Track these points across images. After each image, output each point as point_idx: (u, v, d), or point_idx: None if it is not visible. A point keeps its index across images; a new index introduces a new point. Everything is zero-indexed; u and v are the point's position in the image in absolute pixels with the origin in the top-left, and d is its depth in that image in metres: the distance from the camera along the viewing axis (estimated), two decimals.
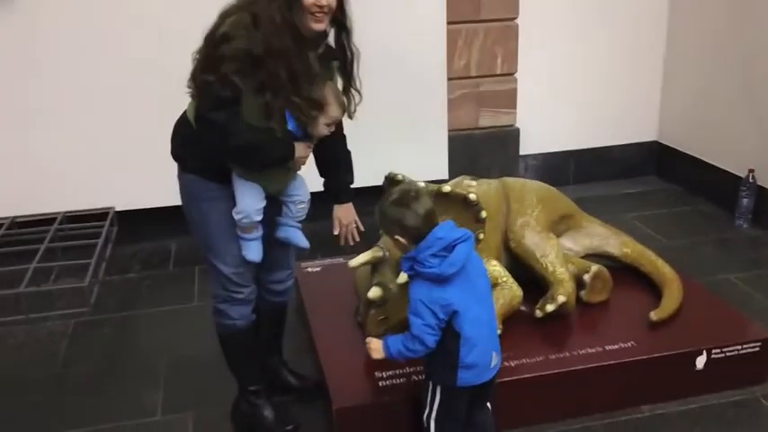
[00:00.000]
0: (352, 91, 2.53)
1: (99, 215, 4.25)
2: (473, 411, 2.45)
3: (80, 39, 4.04)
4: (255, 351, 2.81)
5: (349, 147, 2.77)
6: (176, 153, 2.55)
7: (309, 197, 2.71)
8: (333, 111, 2.46)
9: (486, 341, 2.32)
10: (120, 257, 4.32)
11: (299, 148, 2.45)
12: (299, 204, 2.67)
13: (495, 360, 2.37)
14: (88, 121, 4.16)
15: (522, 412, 2.79)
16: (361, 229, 2.87)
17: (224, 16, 2.28)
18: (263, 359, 2.99)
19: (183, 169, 2.53)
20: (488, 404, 2.51)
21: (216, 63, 2.22)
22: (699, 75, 5.02)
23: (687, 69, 5.13)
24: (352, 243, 2.89)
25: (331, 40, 2.46)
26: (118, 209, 4.31)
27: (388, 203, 2.29)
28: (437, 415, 2.40)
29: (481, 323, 2.30)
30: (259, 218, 2.50)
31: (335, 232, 2.84)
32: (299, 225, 2.73)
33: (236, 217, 2.48)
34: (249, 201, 2.47)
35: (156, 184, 3.74)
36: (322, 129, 2.47)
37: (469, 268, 2.28)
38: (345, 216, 2.84)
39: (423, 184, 2.86)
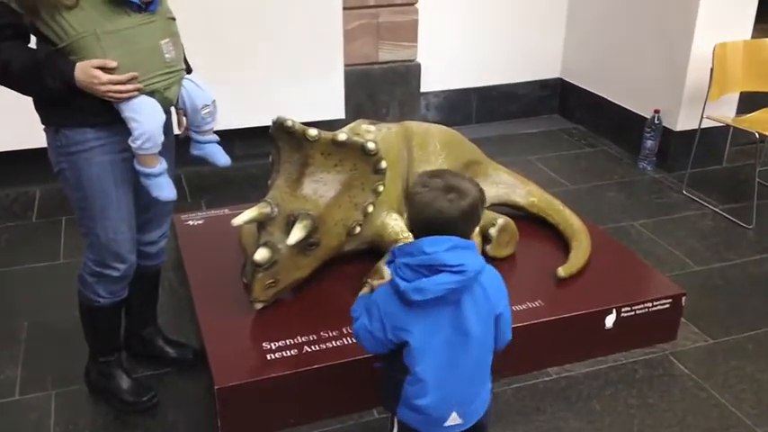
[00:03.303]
0: None
1: None
2: None
3: None
4: (117, 324, 2.56)
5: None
6: (43, 113, 2.18)
7: (213, 98, 2.28)
8: None
9: (450, 396, 1.85)
10: None
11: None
12: (203, 110, 2.26)
13: (453, 421, 1.89)
14: None
15: None
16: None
17: None
18: (136, 330, 2.74)
19: (55, 125, 2.16)
20: None
21: None
22: (604, 10, 4.83)
23: (592, 4, 4.93)
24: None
25: None
26: None
27: (424, 174, 1.88)
28: None
29: (452, 375, 1.83)
30: (162, 138, 2.15)
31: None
32: (215, 138, 2.34)
33: (137, 144, 2.11)
34: (146, 116, 2.09)
35: (19, 125, 3.26)
36: None
37: (466, 305, 1.80)
38: None
39: (315, 132, 2.56)
